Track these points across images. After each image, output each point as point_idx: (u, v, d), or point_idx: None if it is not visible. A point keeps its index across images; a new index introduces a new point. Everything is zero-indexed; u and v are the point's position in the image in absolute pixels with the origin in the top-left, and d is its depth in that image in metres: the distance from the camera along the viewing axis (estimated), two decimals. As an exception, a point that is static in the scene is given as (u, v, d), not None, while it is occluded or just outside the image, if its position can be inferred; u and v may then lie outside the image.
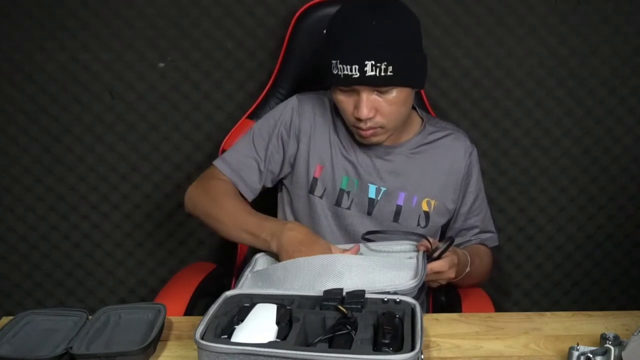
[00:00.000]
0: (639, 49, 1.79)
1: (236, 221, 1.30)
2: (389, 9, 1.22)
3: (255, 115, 1.54)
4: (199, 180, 1.40)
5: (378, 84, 1.21)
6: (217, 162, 1.40)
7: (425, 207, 1.38)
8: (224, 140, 1.53)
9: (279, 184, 1.46)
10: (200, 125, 1.79)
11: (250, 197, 1.39)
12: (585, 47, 1.78)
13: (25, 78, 1.73)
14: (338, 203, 1.37)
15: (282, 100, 1.51)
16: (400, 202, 1.37)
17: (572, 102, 1.82)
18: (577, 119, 1.84)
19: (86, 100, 1.75)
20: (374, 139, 1.31)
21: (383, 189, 1.37)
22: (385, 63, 1.19)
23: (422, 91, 1.59)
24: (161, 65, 1.74)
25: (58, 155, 1.79)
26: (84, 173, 1.81)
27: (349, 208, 1.37)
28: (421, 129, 1.41)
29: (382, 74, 1.19)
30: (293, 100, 1.41)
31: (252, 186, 1.39)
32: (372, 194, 1.37)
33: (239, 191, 1.38)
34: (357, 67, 1.19)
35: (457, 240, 1.42)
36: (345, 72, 1.20)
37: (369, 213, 1.37)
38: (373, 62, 1.18)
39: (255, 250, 1.30)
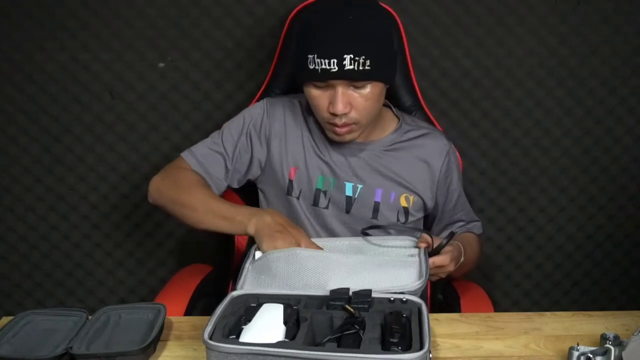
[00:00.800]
0: (639, 49, 1.79)
1: (208, 206, 1.26)
2: (363, 5, 1.24)
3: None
4: (165, 171, 1.36)
5: (356, 77, 1.21)
6: (184, 154, 1.37)
7: (404, 203, 1.39)
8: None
9: (257, 189, 1.45)
10: (200, 125, 1.79)
11: (216, 192, 1.36)
12: (585, 47, 1.78)
13: (25, 78, 1.73)
14: (315, 203, 1.37)
15: None
16: (377, 198, 1.37)
17: (572, 102, 1.82)
18: (577, 119, 1.84)
19: (86, 100, 1.75)
20: (348, 137, 1.31)
21: (360, 186, 1.37)
22: (364, 57, 1.19)
23: (419, 91, 1.58)
24: (161, 65, 1.74)
25: (58, 155, 1.79)
26: (84, 173, 1.81)
27: (326, 207, 1.37)
28: (397, 127, 1.42)
29: (361, 67, 1.20)
30: (263, 103, 1.41)
31: (218, 183, 1.36)
32: (349, 192, 1.37)
33: None
34: (335, 60, 1.19)
35: (444, 234, 1.42)
36: (323, 66, 1.20)
37: (347, 211, 1.37)
38: (352, 56, 1.18)
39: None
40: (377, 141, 1.39)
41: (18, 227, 1.84)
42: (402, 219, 1.39)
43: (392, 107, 1.45)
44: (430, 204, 1.42)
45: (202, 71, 1.75)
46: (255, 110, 1.41)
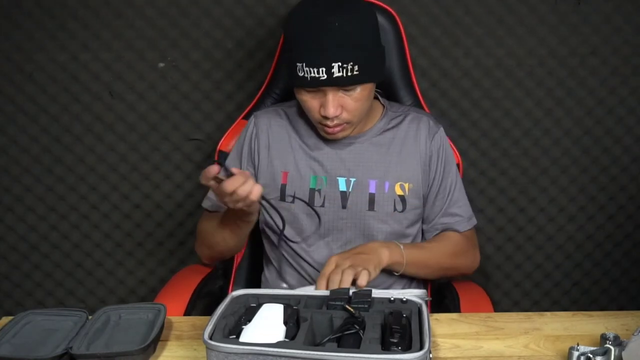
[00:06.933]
0: (639, 49, 1.79)
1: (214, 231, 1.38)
2: (347, 7, 1.23)
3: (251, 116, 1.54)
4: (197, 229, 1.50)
5: (345, 83, 1.23)
6: (203, 202, 1.47)
7: (399, 191, 1.38)
8: (221, 141, 1.53)
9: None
10: (200, 125, 1.79)
11: None
12: (585, 47, 1.78)
13: (25, 78, 1.73)
14: (311, 203, 1.38)
15: (277, 100, 1.55)
16: (372, 190, 1.37)
17: (572, 102, 1.82)
18: (577, 119, 1.84)
19: (86, 100, 1.76)
20: (340, 135, 1.33)
21: (352, 179, 1.37)
22: (352, 63, 1.21)
23: (419, 91, 1.57)
24: (161, 65, 1.74)
25: (58, 155, 1.79)
26: (84, 173, 1.81)
27: (322, 205, 1.37)
28: (383, 115, 1.42)
29: (349, 74, 1.21)
30: (250, 120, 1.45)
31: None
32: (342, 187, 1.37)
33: None
34: (324, 69, 1.20)
35: (429, 235, 1.43)
36: (312, 74, 1.21)
37: (344, 206, 1.37)
38: (340, 64, 1.20)
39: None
40: (366, 132, 1.39)
41: (18, 227, 1.84)
42: (400, 208, 1.38)
43: (378, 96, 1.44)
44: (424, 189, 1.40)
45: (202, 71, 1.75)
46: (245, 132, 1.44)
